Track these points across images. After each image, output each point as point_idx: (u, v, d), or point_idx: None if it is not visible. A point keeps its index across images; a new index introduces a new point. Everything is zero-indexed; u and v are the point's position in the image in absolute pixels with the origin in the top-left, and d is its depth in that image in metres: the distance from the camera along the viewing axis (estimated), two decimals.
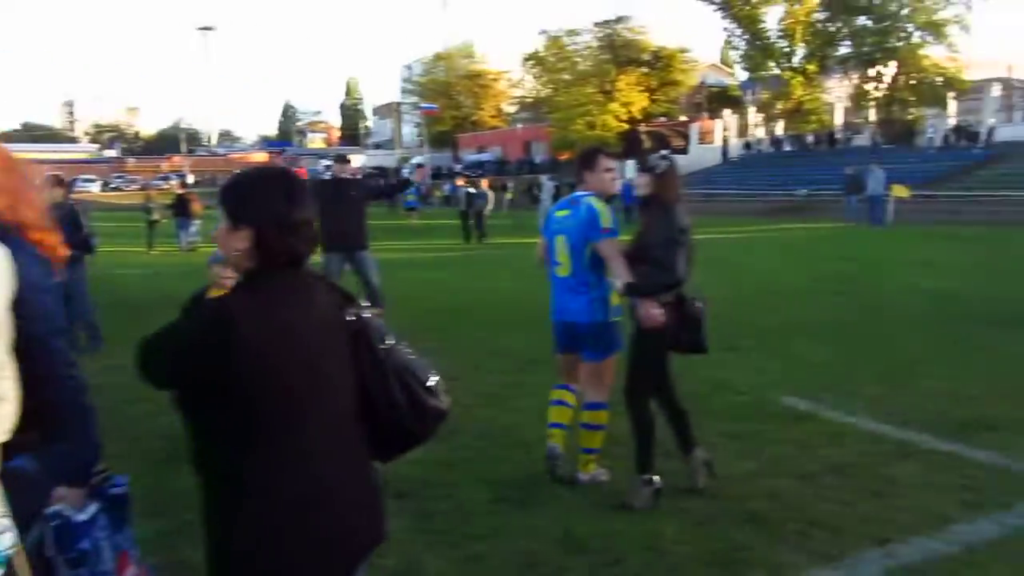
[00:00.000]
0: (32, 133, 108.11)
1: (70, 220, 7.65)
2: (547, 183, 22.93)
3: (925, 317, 9.30)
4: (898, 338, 8.08)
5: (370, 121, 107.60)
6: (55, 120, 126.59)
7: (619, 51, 54.17)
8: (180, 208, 21.43)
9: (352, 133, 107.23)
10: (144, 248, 20.38)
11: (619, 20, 54.11)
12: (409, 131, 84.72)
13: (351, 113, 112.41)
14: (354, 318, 1.84)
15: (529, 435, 5.01)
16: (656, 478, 4.17)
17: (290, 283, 1.76)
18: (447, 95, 72.33)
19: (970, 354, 7.35)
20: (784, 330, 8.58)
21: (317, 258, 7.84)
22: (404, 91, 78.81)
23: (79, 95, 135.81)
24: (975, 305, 9.98)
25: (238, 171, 1.95)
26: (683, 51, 55.57)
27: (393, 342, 1.88)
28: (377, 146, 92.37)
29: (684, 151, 51.68)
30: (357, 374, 1.82)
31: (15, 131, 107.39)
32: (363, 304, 1.88)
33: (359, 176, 10.09)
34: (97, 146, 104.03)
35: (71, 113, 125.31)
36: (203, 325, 1.71)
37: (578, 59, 56.44)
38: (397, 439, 1.90)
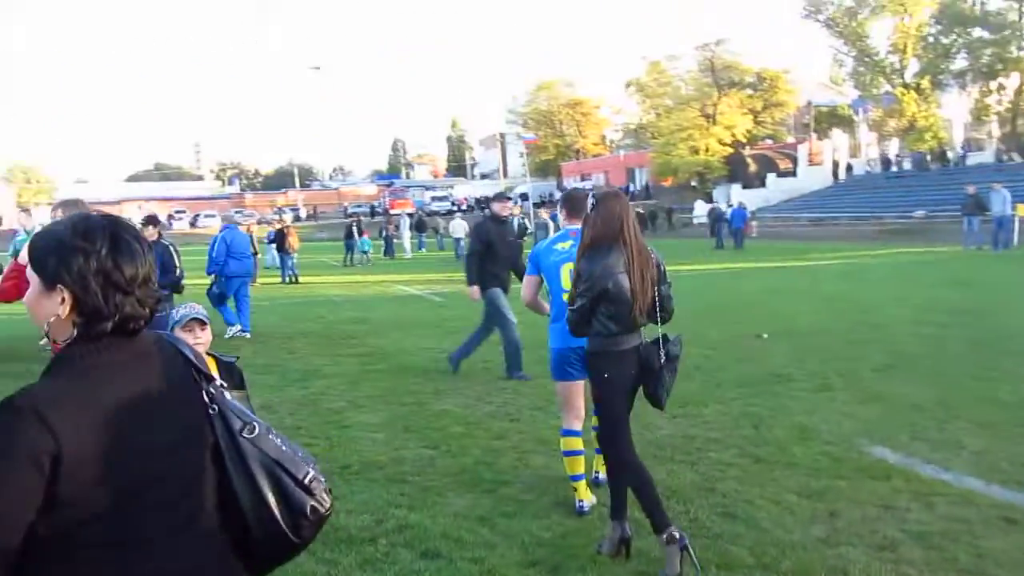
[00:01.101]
0: (163, 171, 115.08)
1: (160, 261, 7.82)
2: (549, 221, 22.38)
3: None
4: (1011, 379, 7.24)
5: (476, 152, 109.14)
6: (184, 160, 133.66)
7: (720, 74, 53.10)
8: (279, 242, 22.05)
9: (458, 164, 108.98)
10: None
11: (719, 43, 53.10)
12: (515, 161, 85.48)
13: (456, 145, 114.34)
14: (210, 399, 1.52)
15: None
16: (678, 533, 3.66)
17: (121, 357, 1.43)
18: (549, 124, 72.67)
19: None
20: (883, 369, 7.86)
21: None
22: (508, 121, 79.67)
23: (205, 136, 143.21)
24: None
25: (54, 222, 1.58)
26: (786, 71, 54.00)
27: (258, 430, 1.55)
28: (484, 176, 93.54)
29: (792, 173, 50.20)
30: (216, 469, 1.51)
31: (148, 171, 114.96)
32: (226, 381, 1.57)
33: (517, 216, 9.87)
34: (220, 183, 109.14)
35: (198, 153, 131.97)
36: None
37: (679, 83, 55.70)
38: (268, 547, 1.55)
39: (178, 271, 8.85)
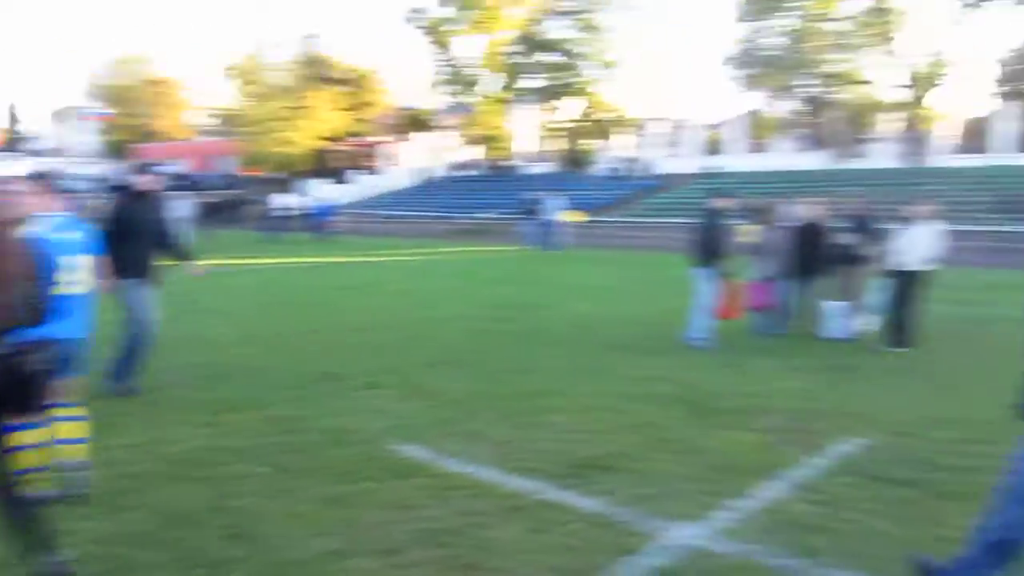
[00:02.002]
0: None
1: None
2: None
3: (574, 343, 9.29)
4: (540, 370, 7.85)
5: (42, 125, 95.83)
6: None
7: (312, 68, 52.82)
8: None
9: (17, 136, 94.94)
10: None
11: (313, 36, 52.84)
12: (91, 138, 76.67)
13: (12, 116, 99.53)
14: None
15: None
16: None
17: None
18: (126, 101, 66.54)
19: (601, 382, 7.27)
20: (432, 365, 8.04)
21: None
22: (89, 95, 71.21)
23: None
24: (622, 328, 10.23)
25: None
26: (375, 71, 55.49)
27: None
28: (37, 153, 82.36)
29: (378, 171, 51.68)
30: None
31: None
32: None
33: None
34: None
35: None
36: None
37: (276, 73, 54.26)
38: None
39: None
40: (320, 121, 52.01)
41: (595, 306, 12.38)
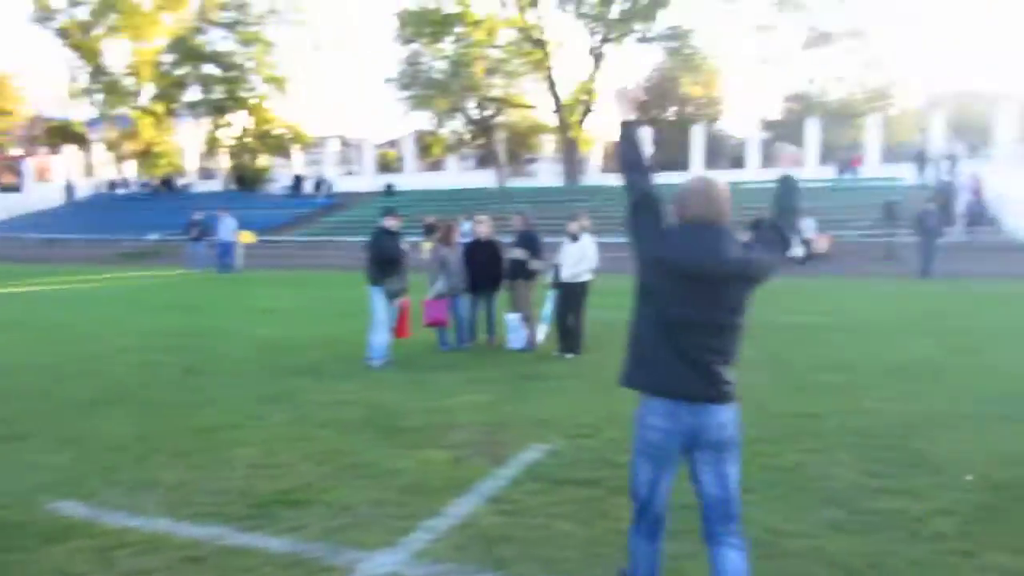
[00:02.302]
0: None
1: None
2: None
3: (255, 370, 8.81)
4: (213, 403, 7.33)
5: None
6: None
7: None
8: None
9: None
10: None
11: None
12: None
13: None
14: None
15: None
16: None
17: None
18: None
19: (286, 410, 6.95)
20: (89, 406, 7.17)
21: None
22: None
23: None
24: (306, 351, 9.92)
25: None
26: (10, 77, 49.28)
27: None
28: None
29: (18, 189, 45.98)
30: None
31: None
32: None
33: None
34: None
35: None
36: None
37: None
38: None
39: None
40: None
41: (276, 330, 11.90)
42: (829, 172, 37.15)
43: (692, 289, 2.98)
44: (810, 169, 37.42)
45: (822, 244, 24.94)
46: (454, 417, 6.67)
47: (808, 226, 24.67)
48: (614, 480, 4.98)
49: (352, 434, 6.18)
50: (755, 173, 38.13)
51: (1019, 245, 25.12)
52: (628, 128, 3.28)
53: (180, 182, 47.30)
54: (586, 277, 9.50)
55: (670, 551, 3.53)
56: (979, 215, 27.63)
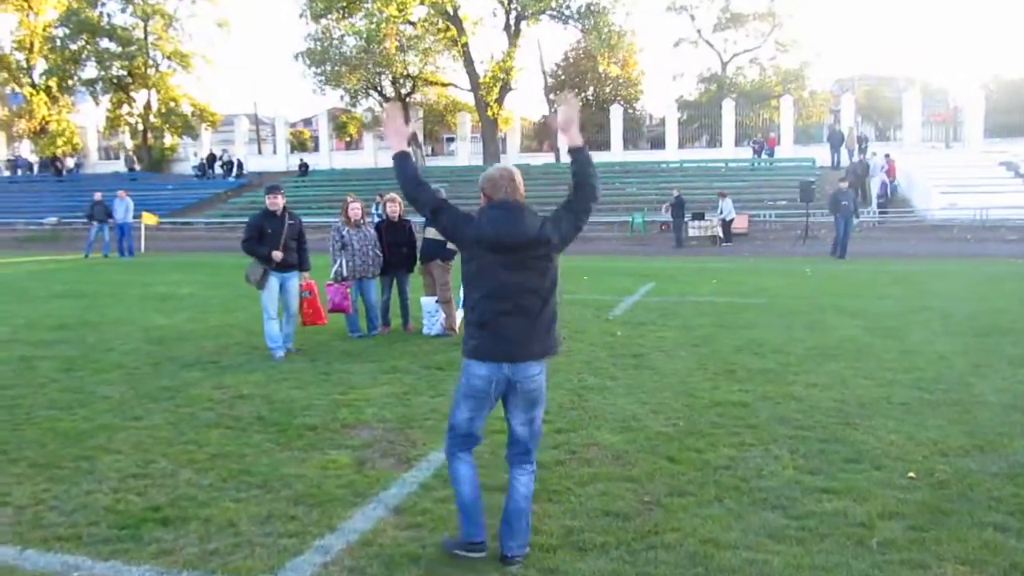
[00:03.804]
0: None
1: None
2: None
3: (144, 364, 8.01)
4: (95, 400, 6.55)
5: None
6: None
7: None
8: None
9: None
10: None
11: None
12: None
13: None
14: None
15: None
16: None
17: None
18: None
19: (172, 409, 6.24)
20: None
21: None
22: None
23: None
24: (205, 341, 9.15)
25: None
26: None
27: None
28: None
29: None
30: None
31: None
32: None
33: None
34: None
35: None
36: None
37: None
38: None
39: None
40: None
41: (174, 318, 11.05)
42: (745, 153, 37.51)
43: (507, 259, 3.51)
44: (727, 150, 37.73)
45: (740, 224, 25.05)
46: (360, 413, 6.07)
47: (727, 206, 24.73)
48: (534, 483, 4.48)
49: (243, 435, 5.53)
50: (674, 154, 38.26)
51: (929, 225, 25.73)
52: (402, 158, 3.75)
53: (71, 163, 44.84)
54: None
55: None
56: (891, 196, 28.21)
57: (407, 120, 3.93)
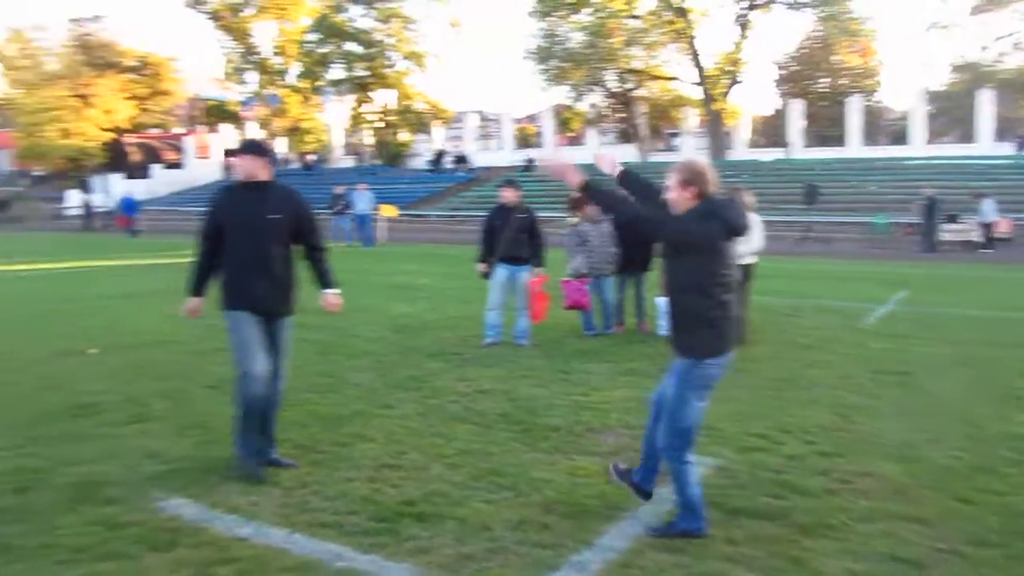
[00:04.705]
0: None
1: None
2: None
3: (389, 352, 8.30)
4: (346, 386, 6.82)
5: None
6: None
7: (95, 53, 48.39)
8: None
9: None
10: None
11: (95, 19, 48.45)
12: None
13: None
14: None
15: None
16: None
17: None
18: None
19: (419, 400, 6.34)
20: (220, 385, 6.81)
21: None
22: None
23: None
24: (445, 332, 9.35)
25: None
26: (172, 59, 51.72)
27: None
28: None
29: (179, 165, 48.37)
30: None
31: None
32: None
33: None
34: None
35: None
36: None
37: (48, 58, 49.20)
38: None
39: None
40: (108, 111, 47.76)
41: (414, 307, 11.45)
42: (1006, 149, 33.86)
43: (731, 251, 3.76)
44: (983, 145, 34.22)
45: (1004, 228, 22.55)
46: (605, 417, 5.87)
47: (989, 208, 22.32)
48: (804, 514, 4.07)
49: (489, 432, 5.49)
50: (920, 149, 35.22)
51: None
52: (595, 189, 3.89)
53: (325, 158, 48.40)
54: (750, 259, 8.44)
55: None
56: None
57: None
